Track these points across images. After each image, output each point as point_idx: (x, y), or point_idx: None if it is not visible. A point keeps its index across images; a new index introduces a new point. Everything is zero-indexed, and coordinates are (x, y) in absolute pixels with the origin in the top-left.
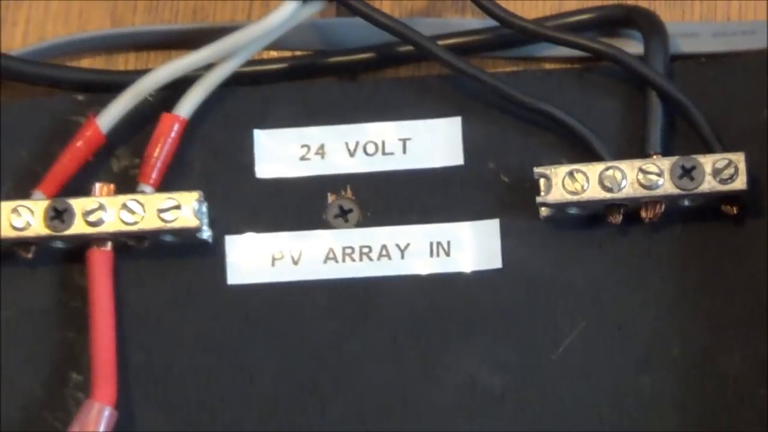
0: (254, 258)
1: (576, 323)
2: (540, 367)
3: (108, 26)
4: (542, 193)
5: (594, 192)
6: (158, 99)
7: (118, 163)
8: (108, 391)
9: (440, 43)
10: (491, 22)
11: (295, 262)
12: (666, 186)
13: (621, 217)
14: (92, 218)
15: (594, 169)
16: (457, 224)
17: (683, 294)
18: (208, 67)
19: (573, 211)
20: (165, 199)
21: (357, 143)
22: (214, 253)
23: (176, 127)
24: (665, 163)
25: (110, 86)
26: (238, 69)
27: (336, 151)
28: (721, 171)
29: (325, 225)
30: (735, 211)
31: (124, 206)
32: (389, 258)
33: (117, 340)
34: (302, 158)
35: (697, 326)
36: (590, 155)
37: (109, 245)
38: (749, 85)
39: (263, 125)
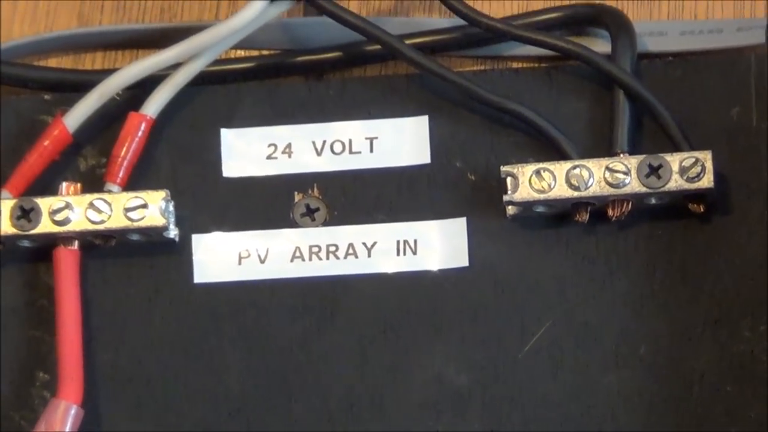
0: (221, 257)
1: (543, 322)
2: (507, 365)
3: (75, 25)
4: (509, 192)
5: (561, 191)
6: (125, 98)
7: (85, 162)
8: (74, 390)
9: (407, 42)
10: (459, 21)
11: (262, 261)
12: (633, 184)
13: (588, 215)
14: (59, 217)
15: (561, 168)
16: (424, 223)
17: (650, 292)
18: (176, 66)
19: (540, 209)
20: (132, 198)
21: (324, 142)
22: (181, 252)
23: (143, 126)
24: (632, 161)
25: (77, 85)
26: (206, 68)
27: (303, 150)
28: (688, 169)
29: (291, 224)
30: (702, 210)
31: (91, 205)
32: (356, 257)
33: (84, 339)
34: (269, 157)
35: (663, 324)
36: (557, 154)
37: (76, 244)
38: (717, 83)
39: (230, 124)
